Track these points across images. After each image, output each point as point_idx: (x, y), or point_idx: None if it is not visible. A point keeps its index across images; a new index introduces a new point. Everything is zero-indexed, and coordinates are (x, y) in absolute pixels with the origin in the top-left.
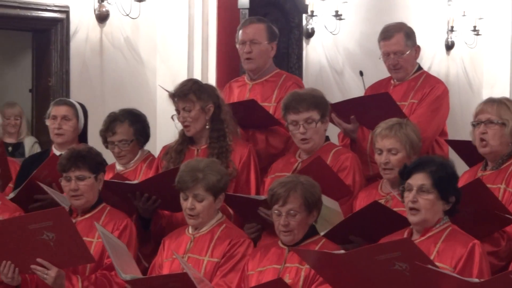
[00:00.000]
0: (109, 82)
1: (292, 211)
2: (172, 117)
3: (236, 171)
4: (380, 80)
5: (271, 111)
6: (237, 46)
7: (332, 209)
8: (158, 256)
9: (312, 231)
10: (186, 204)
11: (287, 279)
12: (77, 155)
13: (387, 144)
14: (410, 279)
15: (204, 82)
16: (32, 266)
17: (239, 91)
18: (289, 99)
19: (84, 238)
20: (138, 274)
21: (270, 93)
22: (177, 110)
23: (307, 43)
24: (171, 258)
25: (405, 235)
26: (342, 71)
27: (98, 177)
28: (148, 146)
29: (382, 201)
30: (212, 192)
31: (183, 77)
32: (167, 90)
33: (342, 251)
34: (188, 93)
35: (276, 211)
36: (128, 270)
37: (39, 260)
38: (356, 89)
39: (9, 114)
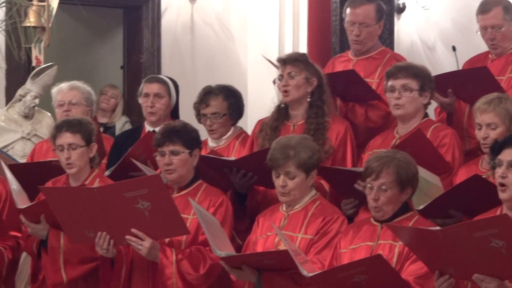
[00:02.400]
0: (200, 59)
1: (383, 186)
2: (273, 81)
3: (333, 148)
4: (478, 54)
5: (373, 87)
6: (345, 24)
7: (432, 183)
8: (252, 233)
9: (405, 208)
10: (278, 181)
11: None
12: (172, 130)
13: (486, 119)
14: (506, 256)
15: None
16: (127, 237)
17: (343, 66)
18: (391, 67)
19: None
20: (231, 251)
21: (374, 69)
22: (281, 75)
23: (398, 19)
24: (265, 235)
25: (498, 213)
26: (433, 47)
27: (193, 153)
28: (238, 122)
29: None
30: (304, 169)
31: (274, 52)
32: (268, 59)
33: (438, 228)
34: (297, 59)
35: (368, 185)
36: (222, 247)
37: (133, 230)
38: (448, 65)
39: (108, 94)
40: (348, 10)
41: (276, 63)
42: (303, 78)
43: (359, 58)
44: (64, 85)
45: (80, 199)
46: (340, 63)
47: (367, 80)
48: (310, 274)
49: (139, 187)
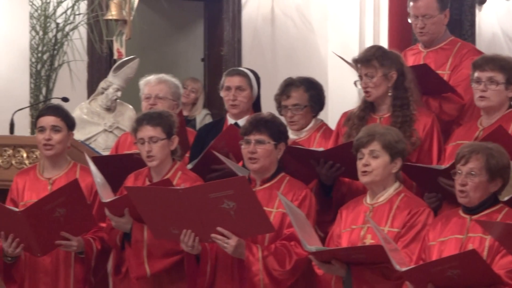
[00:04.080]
0: (280, 51)
1: (472, 172)
2: (354, 83)
3: (420, 140)
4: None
5: (445, 79)
6: (409, 19)
7: None
8: (335, 226)
9: (494, 200)
10: (360, 162)
11: None
12: (261, 120)
13: None
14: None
15: None
16: (213, 235)
17: (413, 59)
18: (479, 58)
19: (263, 208)
20: (319, 245)
21: (445, 60)
22: (360, 76)
23: (480, 10)
24: (349, 228)
25: None
26: None
27: (278, 146)
28: (319, 115)
29: None
30: (389, 151)
31: (355, 45)
32: (341, 57)
33: None
34: (371, 59)
35: (458, 171)
36: (311, 241)
37: (219, 229)
38: None
39: (188, 88)
40: (410, 4)
41: (352, 63)
42: (381, 76)
43: (429, 50)
44: (151, 78)
45: (165, 198)
46: (411, 56)
47: (438, 71)
48: (404, 269)
49: (225, 188)
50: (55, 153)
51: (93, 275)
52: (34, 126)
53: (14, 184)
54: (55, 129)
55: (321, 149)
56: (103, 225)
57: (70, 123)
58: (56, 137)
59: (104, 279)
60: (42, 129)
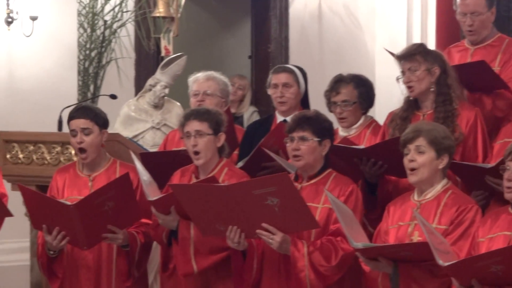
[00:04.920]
0: (328, 48)
1: None
2: (397, 79)
3: (463, 135)
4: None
5: None
6: (457, 16)
7: None
8: (383, 222)
9: None
10: (407, 158)
11: None
12: (304, 117)
13: None
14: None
15: None
16: (258, 231)
17: (459, 56)
18: None
19: (310, 204)
20: (366, 241)
21: (494, 57)
22: (402, 72)
23: None
24: (396, 225)
25: None
26: None
27: (323, 142)
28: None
29: None
30: (435, 147)
31: (402, 41)
32: (391, 53)
33: None
34: (414, 53)
35: (507, 167)
36: (358, 238)
37: (264, 225)
38: None
39: (235, 85)
40: (458, 1)
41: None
42: (424, 71)
43: (477, 47)
44: (200, 75)
45: (209, 195)
46: (457, 52)
47: None
48: (446, 264)
49: (268, 185)
50: (90, 158)
51: (136, 269)
52: None
53: (54, 182)
54: (85, 132)
55: (362, 146)
56: (146, 221)
57: (101, 122)
58: (88, 139)
59: (144, 274)
60: (74, 133)
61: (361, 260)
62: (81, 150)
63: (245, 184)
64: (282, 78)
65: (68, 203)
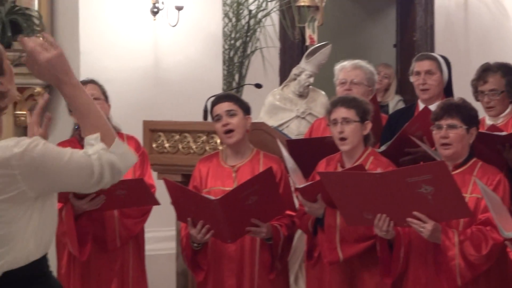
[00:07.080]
0: (474, 36)
1: None
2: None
3: None
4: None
5: None
6: None
7: None
8: None
9: None
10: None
11: None
12: (451, 105)
13: None
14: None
15: None
16: (408, 219)
17: None
18: None
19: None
20: None
21: None
22: None
23: None
24: None
25: None
26: None
27: (470, 130)
28: None
29: None
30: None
31: None
32: None
33: None
34: None
35: None
36: (507, 227)
37: (415, 213)
38: None
39: (381, 74)
40: None
41: None
42: None
43: None
44: (347, 64)
45: (359, 183)
46: None
47: None
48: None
49: (423, 173)
50: (237, 139)
51: (279, 262)
52: None
53: (197, 172)
54: (230, 113)
55: (504, 133)
56: (289, 213)
57: (244, 107)
58: (233, 121)
59: (285, 266)
60: (218, 117)
61: (510, 249)
62: (228, 132)
63: (400, 171)
64: (425, 65)
65: (212, 197)
